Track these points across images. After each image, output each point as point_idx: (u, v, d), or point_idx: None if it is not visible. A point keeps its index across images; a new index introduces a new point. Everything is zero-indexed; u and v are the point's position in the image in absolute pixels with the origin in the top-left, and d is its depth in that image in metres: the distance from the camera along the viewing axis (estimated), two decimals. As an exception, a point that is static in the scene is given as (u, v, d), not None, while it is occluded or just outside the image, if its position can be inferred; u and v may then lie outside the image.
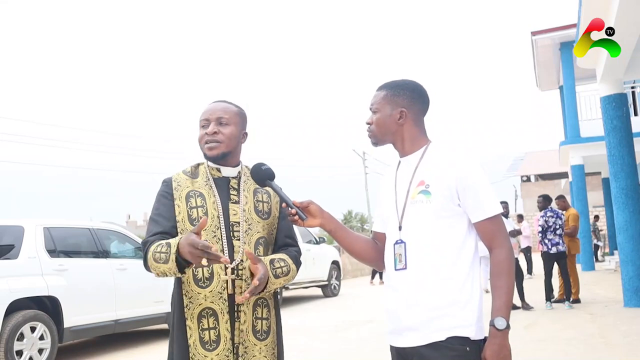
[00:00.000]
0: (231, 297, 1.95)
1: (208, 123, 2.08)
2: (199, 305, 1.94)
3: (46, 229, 6.67)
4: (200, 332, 1.93)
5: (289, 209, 1.97)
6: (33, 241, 6.44)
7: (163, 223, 2.02)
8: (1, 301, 5.88)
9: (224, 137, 2.06)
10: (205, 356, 1.91)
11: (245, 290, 1.96)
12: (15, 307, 6.01)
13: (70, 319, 6.53)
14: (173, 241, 1.86)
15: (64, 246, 6.90)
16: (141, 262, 2.02)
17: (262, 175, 2.05)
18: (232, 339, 1.94)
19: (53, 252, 6.59)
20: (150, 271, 1.97)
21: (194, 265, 1.82)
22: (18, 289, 6.06)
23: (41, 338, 6.18)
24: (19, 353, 5.97)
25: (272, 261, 2.01)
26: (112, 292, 7.09)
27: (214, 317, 1.93)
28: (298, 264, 2.12)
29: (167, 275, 1.91)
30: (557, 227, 8.93)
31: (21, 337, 5.99)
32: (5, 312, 5.90)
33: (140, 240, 5.69)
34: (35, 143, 50.61)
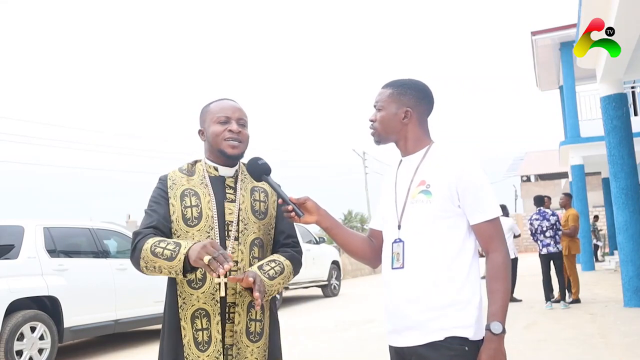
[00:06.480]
0: (223, 299, 1.93)
1: (229, 120, 2.01)
2: (192, 306, 1.92)
3: (46, 229, 6.68)
4: (194, 332, 1.92)
5: (285, 205, 1.95)
6: (33, 241, 6.45)
7: (157, 219, 1.98)
8: (1, 301, 5.88)
9: (244, 138, 2.03)
10: (197, 356, 1.90)
11: (238, 292, 1.94)
12: (15, 307, 6.01)
13: (70, 319, 6.53)
14: (185, 242, 1.84)
15: (64, 246, 6.90)
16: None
17: (259, 170, 1.99)
18: (222, 340, 1.92)
19: (53, 252, 6.59)
20: (136, 263, 1.91)
21: (195, 267, 1.80)
22: (18, 289, 6.07)
23: (41, 338, 6.19)
24: (19, 353, 5.98)
25: (260, 267, 1.95)
26: (112, 292, 7.09)
27: (207, 318, 1.92)
28: (294, 260, 2.06)
29: (157, 272, 1.87)
30: (545, 229, 8.87)
31: (21, 337, 5.99)
32: (5, 312, 5.90)
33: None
34: (35, 143, 50.51)
